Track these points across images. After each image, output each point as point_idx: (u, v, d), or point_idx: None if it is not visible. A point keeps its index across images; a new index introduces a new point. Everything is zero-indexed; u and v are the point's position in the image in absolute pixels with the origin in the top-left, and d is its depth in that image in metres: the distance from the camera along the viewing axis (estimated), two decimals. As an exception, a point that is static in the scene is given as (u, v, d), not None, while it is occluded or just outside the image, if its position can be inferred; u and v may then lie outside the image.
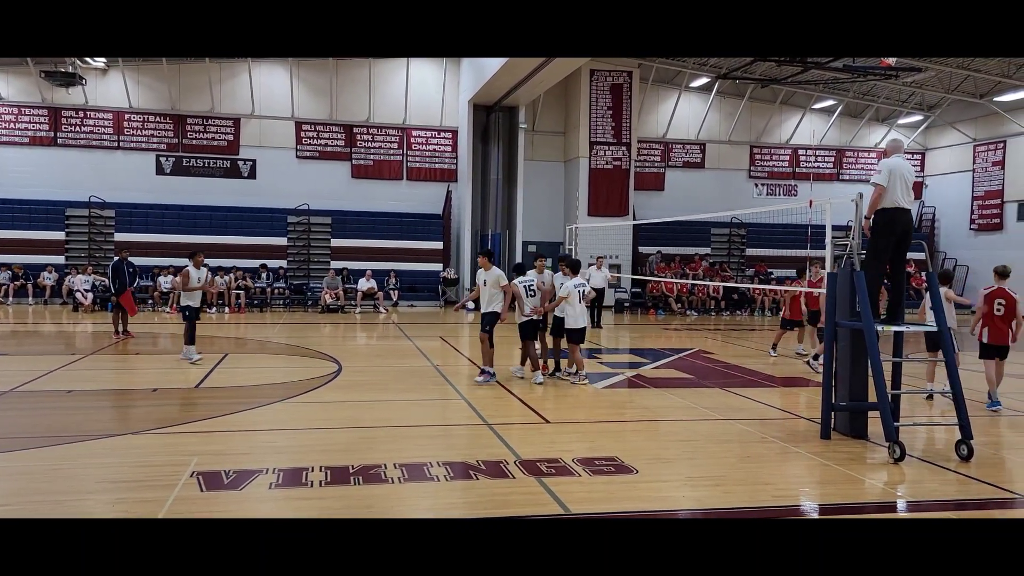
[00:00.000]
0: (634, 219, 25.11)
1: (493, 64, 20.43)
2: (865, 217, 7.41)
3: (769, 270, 25.94)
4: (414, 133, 26.06)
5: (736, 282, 25.20)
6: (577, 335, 10.44)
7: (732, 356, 13.93)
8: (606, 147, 25.25)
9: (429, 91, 26.04)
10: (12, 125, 23.46)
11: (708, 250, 27.13)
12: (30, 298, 21.67)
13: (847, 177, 29.15)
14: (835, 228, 9.19)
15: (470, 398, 9.27)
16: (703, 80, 27.07)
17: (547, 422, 8.12)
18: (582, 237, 20.84)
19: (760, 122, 28.80)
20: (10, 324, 17.41)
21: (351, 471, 6.01)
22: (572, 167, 25.91)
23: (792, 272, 18.10)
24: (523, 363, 10.85)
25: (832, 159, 29.58)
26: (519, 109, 24.40)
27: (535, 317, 10.42)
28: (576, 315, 10.31)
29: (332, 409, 8.82)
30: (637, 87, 25.73)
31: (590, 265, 18.07)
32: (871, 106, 28.85)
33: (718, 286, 24.13)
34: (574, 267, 10.68)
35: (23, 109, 23.50)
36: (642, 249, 26.16)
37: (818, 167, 29.27)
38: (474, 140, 24.79)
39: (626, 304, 24.76)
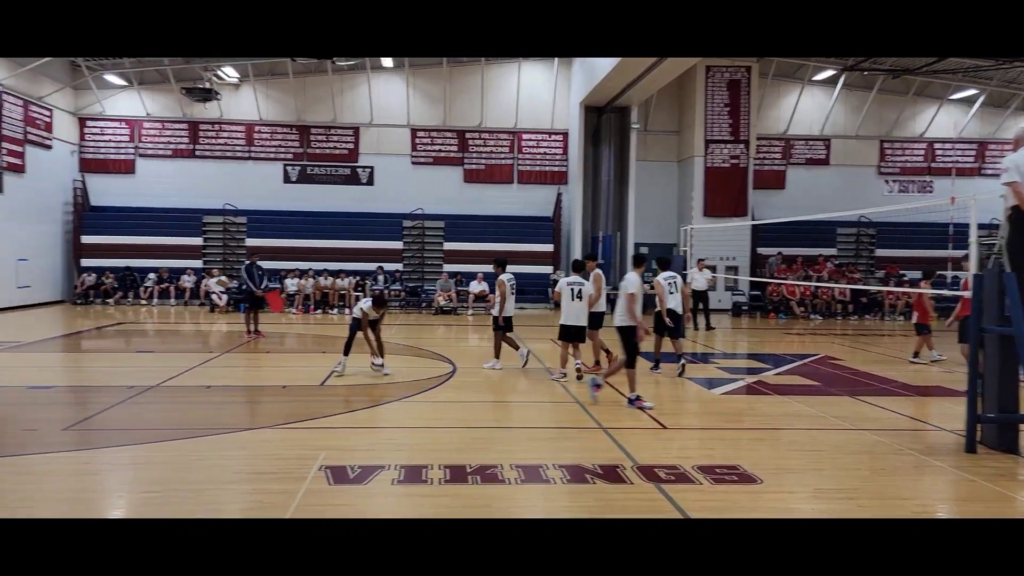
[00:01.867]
0: (752, 219, 24.27)
1: (605, 65, 20.26)
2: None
3: (901, 271, 24.42)
4: (525, 136, 26.24)
5: (865, 284, 23.87)
6: (563, 331, 10.74)
7: (862, 362, 13.20)
8: (723, 145, 24.53)
9: (540, 94, 26.16)
10: (156, 139, 25.33)
11: (834, 251, 25.83)
12: (171, 299, 23.32)
13: (990, 172, 27.00)
14: (980, 226, 8.52)
15: (583, 401, 9.20)
16: (828, 73, 25.83)
17: (664, 428, 7.94)
18: (697, 238, 20.33)
19: (891, 115, 27.17)
20: (154, 324, 18.76)
21: (468, 470, 6.09)
22: (686, 167, 25.34)
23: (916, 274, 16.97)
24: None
25: (974, 153, 27.53)
26: (631, 109, 24.08)
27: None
28: (565, 312, 10.70)
29: (448, 409, 8.97)
30: (756, 82, 24.87)
31: (690, 268, 17.76)
32: (1017, 95, 26.66)
33: (845, 288, 22.92)
34: (577, 267, 11.24)
35: (165, 124, 25.33)
36: (761, 250, 25.24)
37: (958, 161, 27.31)
38: (585, 142, 24.68)
39: (744, 307, 23.96)
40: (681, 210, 25.52)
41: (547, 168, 26.29)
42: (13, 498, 5.42)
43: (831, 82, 26.39)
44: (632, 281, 9.01)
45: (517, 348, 11.76)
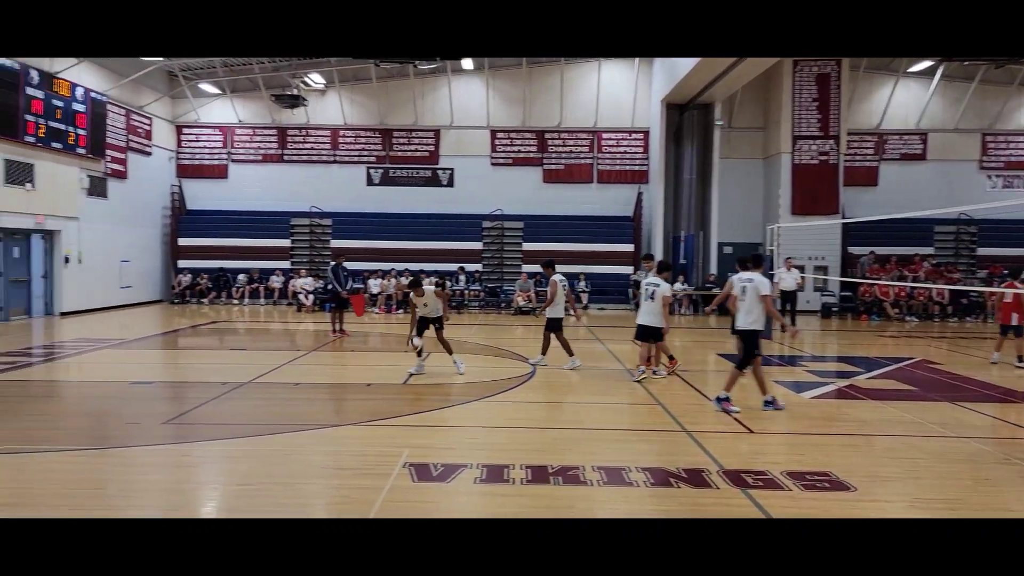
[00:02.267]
0: (843, 217, 23.38)
1: (687, 62, 19.90)
2: None
3: (1005, 271, 23.03)
4: (605, 136, 26.04)
5: (965, 285, 22.64)
6: (639, 331, 10.90)
7: (962, 367, 12.51)
8: (811, 141, 23.72)
9: (620, 93, 25.92)
10: (247, 145, 26.36)
11: (931, 250, 24.61)
12: (261, 299, 24.21)
13: (1107, 165, 25.25)
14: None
15: (666, 403, 9.05)
16: (924, 64, 24.62)
17: (750, 432, 7.72)
18: (785, 237, 19.73)
19: (994, 107, 25.67)
20: (245, 323, 19.51)
21: (550, 471, 6.07)
22: (773, 164, 24.63)
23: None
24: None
25: (1089, 145, 25.76)
26: (714, 106, 23.59)
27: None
28: (639, 312, 11.01)
29: (528, 409, 8.98)
30: (847, 76, 23.94)
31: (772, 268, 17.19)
32: None
33: (943, 289, 21.82)
34: (662, 267, 11.13)
35: (256, 130, 26.32)
36: (852, 250, 24.28)
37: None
38: (666, 140, 24.31)
39: (834, 309, 23.10)
40: (767, 209, 24.82)
41: (627, 167, 26.02)
42: (116, 489, 5.72)
43: (928, 73, 25.16)
44: (764, 283, 8.79)
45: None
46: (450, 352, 11.04)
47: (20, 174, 18.15)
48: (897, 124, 25.68)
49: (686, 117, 24.04)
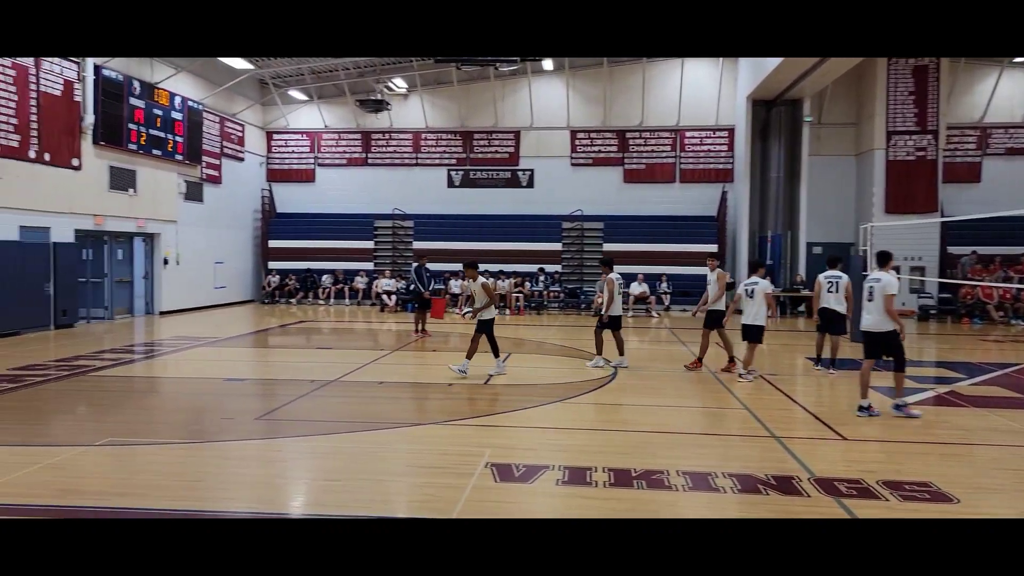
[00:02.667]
0: (942, 216, 22.23)
1: (774, 58, 19.33)
2: None
3: (1124, 272, 21.44)
4: (687, 134, 25.57)
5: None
6: (744, 331, 10.99)
7: (1076, 374, 11.70)
8: (907, 136, 22.65)
9: (704, 90, 25.40)
10: (333, 149, 27.14)
11: (1040, 250, 23.15)
12: (346, 299, 24.85)
13: None
14: None
15: (752, 407, 8.80)
16: (1031, 52, 23.14)
17: (843, 438, 7.42)
18: (878, 237, 18.89)
19: (1109, 95, 23.95)
20: (331, 322, 20.05)
21: (633, 474, 5.98)
22: (866, 160, 23.64)
23: None
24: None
25: None
26: (803, 101, 22.81)
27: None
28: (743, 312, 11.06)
29: (609, 411, 8.89)
30: (946, 68, 22.75)
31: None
32: None
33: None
34: (754, 268, 11.42)
35: (341, 135, 27.05)
36: (952, 250, 23.05)
37: None
38: (752, 137, 23.67)
39: (932, 311, 22.00)
40: (859, 207, 23.84)
41: (711, 166, 25.49)
42: (214, 482, 5.95)
43: (1037, 61, 23.67)
44: (891, 281, 8.59)
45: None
46: (470, 356, 10.84)
47: (123, 180, 19.19)
48: (1002, 117, 24.23)
49: (773, 113, 23.35)
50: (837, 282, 11.35)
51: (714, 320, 11.68)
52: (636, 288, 22.72)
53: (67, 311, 16.94)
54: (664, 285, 23.52)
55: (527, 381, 10.54)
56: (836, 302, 11.30)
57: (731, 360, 11.52)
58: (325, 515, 5.16)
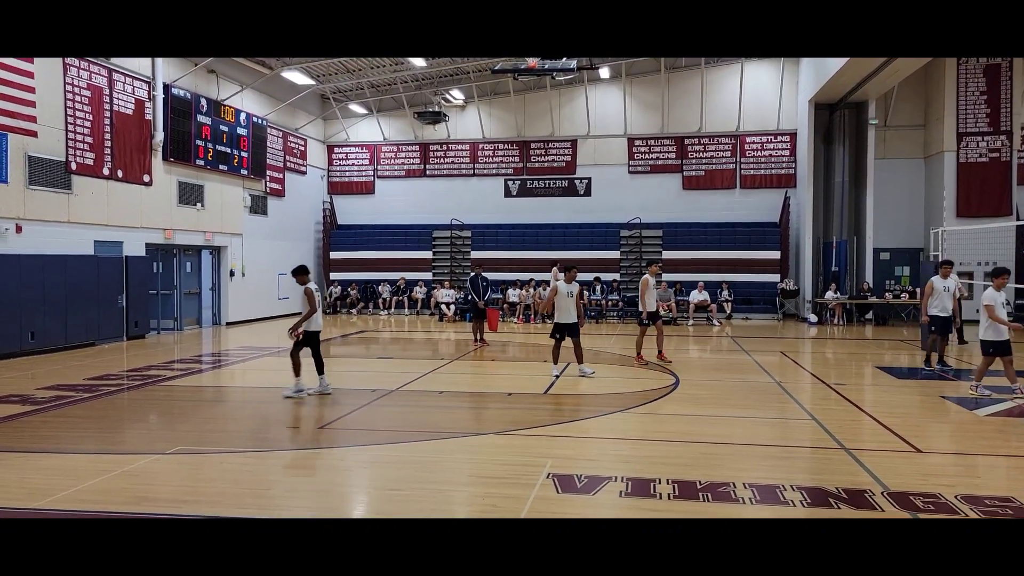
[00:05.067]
0: (1018, 219, 21.29)
1: (837, 59, 18.84)
2: None
3: None
4: (748, 139, 25.12)
5: None
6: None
7: None
8: (979, 138, 21.79)
9: (764, 94, 24.94)
10: (392, 162, 27.56)
11: (1126, 253, 21.94)
12: (405, 309, 25.14)
13: None
14: None
15: (820, 418, 8.54)
16: (1114, 45, 22.02)
17: (917, 451, 7.13)
18: (950, 242, 18.20)
19: None
20: (391, 332, 20.29)
21: (698, 487, 5.86)
22: (935, 163, 22.83)
23: None
24: None
25: None
26: (868, 104, 22.19)
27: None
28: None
29: (672, 422, 8.75)
30: (1020, 66, 21.80)
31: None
32: None
33: None
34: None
35: (400, 147, 27.46)
36: (1029, 254, 22.06)
37: None
38: (815, 141, 23.13)
39: (1009, 318, 21.00)
40: (929, 211, 23.02)
41: (773, 171, 24.97)
42: (281, 490, 6.06)
43: (1121, 55, 22.49)
44: (990, 292, 9.91)
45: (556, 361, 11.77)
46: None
47: (192, 195, 19.84)
48: (1083, 114, 23.10)
49: (836, 117, 22.79)
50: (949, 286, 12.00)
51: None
52: (696, 296, 22.38)
53: (139, 322, 17.56)
54: (725, 293, 23.10)
55: (589, 391, 10.46)
56: (942, 308, 11.99)
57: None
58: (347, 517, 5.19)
